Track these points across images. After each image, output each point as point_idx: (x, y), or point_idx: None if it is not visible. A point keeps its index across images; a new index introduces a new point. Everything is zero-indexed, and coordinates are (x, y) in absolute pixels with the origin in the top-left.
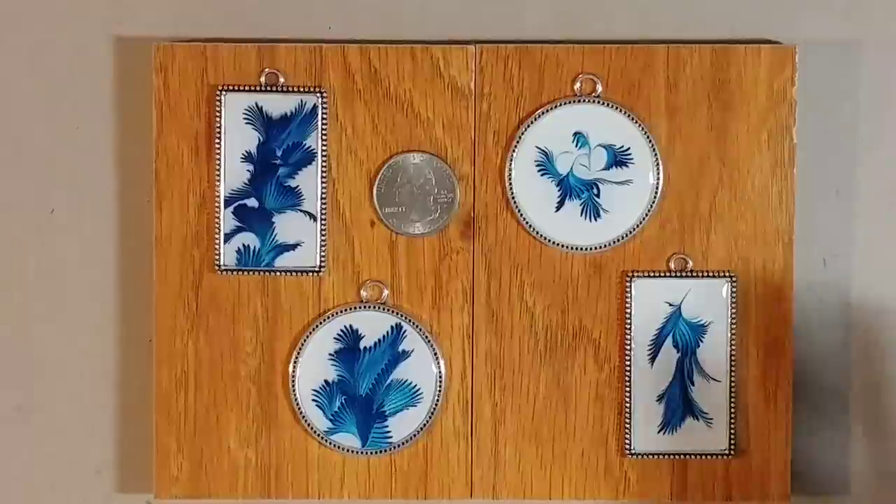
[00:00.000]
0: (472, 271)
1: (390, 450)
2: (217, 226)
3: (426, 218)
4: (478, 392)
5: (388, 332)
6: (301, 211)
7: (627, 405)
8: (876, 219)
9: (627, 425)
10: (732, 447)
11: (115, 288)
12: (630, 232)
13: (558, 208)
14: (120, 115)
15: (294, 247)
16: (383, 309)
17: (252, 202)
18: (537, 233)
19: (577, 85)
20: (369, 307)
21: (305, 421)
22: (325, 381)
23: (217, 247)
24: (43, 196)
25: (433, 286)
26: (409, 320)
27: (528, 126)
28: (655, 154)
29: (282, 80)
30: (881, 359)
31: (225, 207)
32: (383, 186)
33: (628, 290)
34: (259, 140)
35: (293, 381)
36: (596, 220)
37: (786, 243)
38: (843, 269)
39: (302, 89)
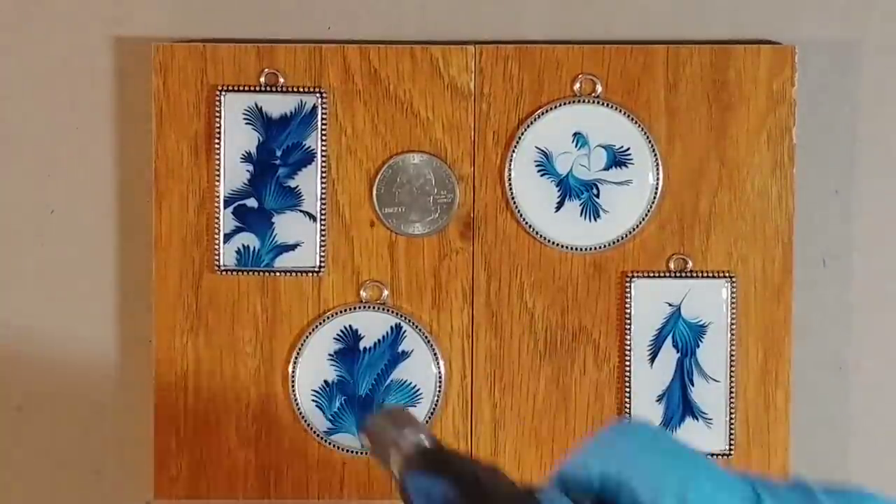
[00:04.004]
0: (471, 271)
1: None
2: (217, 226)
3: (426, 218)
4: (477, 392)
5: (387, 333)
6: (301, 211)
7: (627, 405)
8: (876, 219)
9: None
10: (732, 447)
11: (115, 288)
12: (630, 232)
13: (558, 208)
14: (119, 116)
15: (294, 247)
16: (383, 309)
17: (252, 202)
18: (537, 233)
19: (577, 85)
20: (369, 307)
21: (305, 421)
22: (325, 382)
23: (217, 247)
24: (43, 196)
25: (433, 286)
26: (409, 321)
27: (528, 126)
28: (655, 154)
29: (281, 80)
30: (880, 358)
31: (224, 208)
32: (383, 187)
33: (628, 290)
34: (259, 140)
35: (293, 382)
36: (596, 220)
37: (785, 243)
38: (843, 269)
39: (301, 89)
